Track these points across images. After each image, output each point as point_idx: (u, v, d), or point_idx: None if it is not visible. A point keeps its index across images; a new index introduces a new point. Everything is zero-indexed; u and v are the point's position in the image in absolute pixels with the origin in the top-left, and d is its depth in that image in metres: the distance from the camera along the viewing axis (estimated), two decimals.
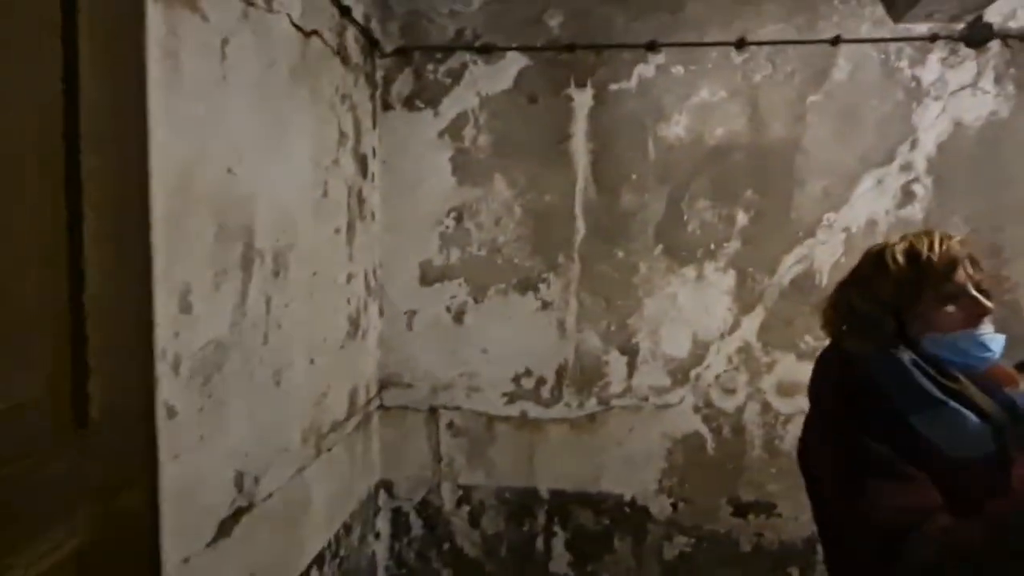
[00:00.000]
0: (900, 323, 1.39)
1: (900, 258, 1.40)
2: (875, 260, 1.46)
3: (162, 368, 1.52)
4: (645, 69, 3.03)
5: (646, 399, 3.13)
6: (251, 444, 1.90)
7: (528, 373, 3.17)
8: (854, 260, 2.76)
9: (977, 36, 2.82)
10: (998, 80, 2.84)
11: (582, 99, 3.07)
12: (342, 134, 2.65)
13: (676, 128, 3.04)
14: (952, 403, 1.36)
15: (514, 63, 3.08)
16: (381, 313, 3.19)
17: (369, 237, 3.02)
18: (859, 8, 2.90)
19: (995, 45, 2.83)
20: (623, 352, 3.13)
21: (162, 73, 1.52)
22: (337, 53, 2.60)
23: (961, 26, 2.84)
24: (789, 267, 3.04)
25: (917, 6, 2.80)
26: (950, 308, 1.35)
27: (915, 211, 2.95)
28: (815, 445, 1.54)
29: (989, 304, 1.38)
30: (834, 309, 1.50)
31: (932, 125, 2.90)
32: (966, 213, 2.91)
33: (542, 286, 3.13)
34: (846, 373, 1.48)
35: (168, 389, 1.54)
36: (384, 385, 3.21)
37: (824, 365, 1.59)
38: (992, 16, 2.80)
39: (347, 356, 2.73)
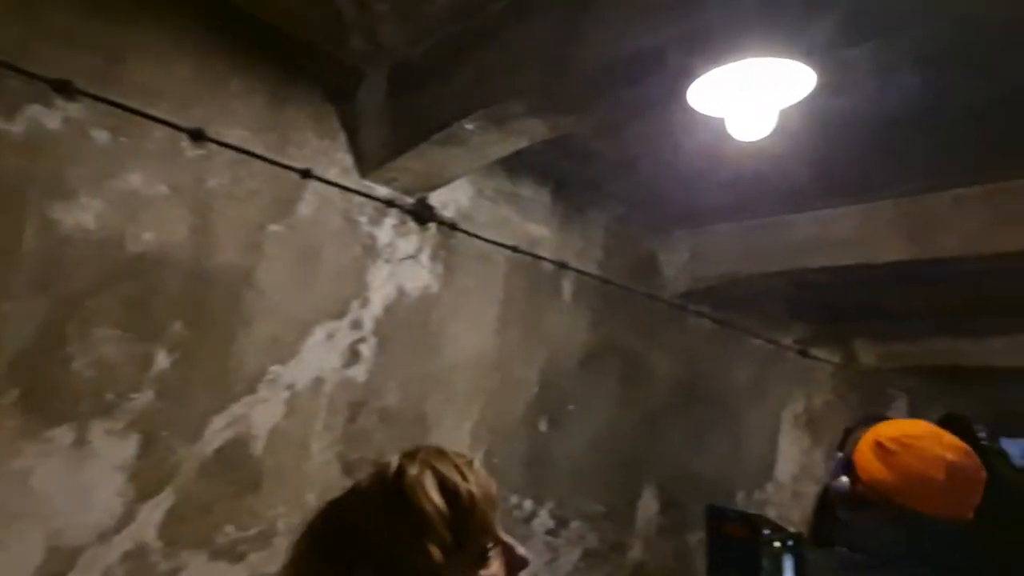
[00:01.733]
0: None
1: (434, 495, 0.74)
2: (390, 496, 0.75)
3: None
4: (46, 116, 1.73)
5: None
6: None
7: None
8: (295, 425, 1.97)
9: (422, 214, 2.63)
10: (433, 257, 2.68)
11: None
12: None
13: (83, 214, 1.78)
14: None
15: None
16: None
17: None
18: (333, 149, 2.37)
19: (434, 226, 2.67)
20: None
21: None
22: None
23: (412, 200, 2.59)
24: (218, 431, 2.03)
25: (381, 168, 2.46)
26: (490, 569, 0.77)
27: (359, 372, 2.42)
28: None
29: (528, 554, 0.82)
30: None
31: (381, 287, 2.51)
32: (401, 379, 2.54)
33: None
34: None
35: None
36: None
37: None
38: (434, 199, 2.66)
39: None
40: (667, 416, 3.69)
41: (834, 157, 2.52)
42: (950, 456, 1.28)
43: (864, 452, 1.33)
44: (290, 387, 2.22)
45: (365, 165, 2.48)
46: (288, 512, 2.16)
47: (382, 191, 2.53)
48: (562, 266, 3.24)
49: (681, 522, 3.76)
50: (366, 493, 0.77)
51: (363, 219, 2.48)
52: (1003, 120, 2.17)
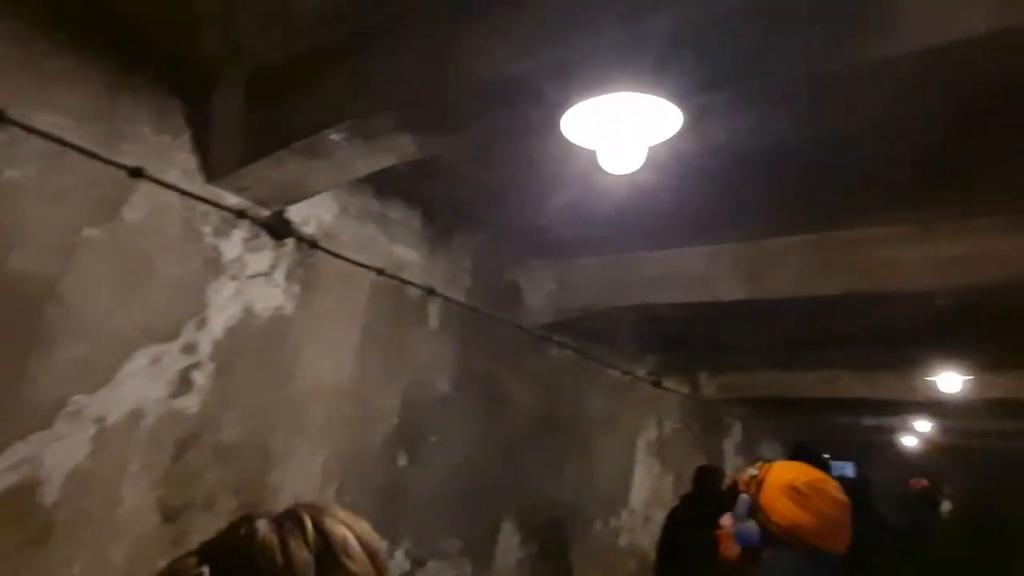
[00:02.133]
0: None
1: (355, 550, 0.67)
2: (320, 555, 0.65)
3: None
4: None
5: None
6: None
7: None
8: (103, 466, 1.70)
9: (278, 228, 2.38)
10: (289, 276, 2.43)
11: None
12: None
13: None
14: None
15: None
16: None
17: None
18: (174, 148, 2.07)
19: (291, 242, 2.42)
20: None
21: None
22: None
23: (267, 213, 2.34)
24: None
25: (233, 174, 2.20)
26: None
27: (191, 402, 2.09)
28: None
29: None
30: None
31: (225, 306, 2.21)
32: (244, 409, 2.24)
33: None
34: None
35: None
36: None
37: None
38: (293, 214, 2.42)
39: None
40: (528, 446, 3.64)
41: (689, 199, 2.64)
42: (841, 496, 1.40)
43: (777, 497, 1.40)
44: (99, 421, 1.85)
45: (213, 169, 2.19)
46: (86, 570, 1.78)
47: (232, 200, 2.25)
48: (429, 292, 3.09)
49: (540, 553, 3.69)
50: (284, 547, 0.62)
51: (207, 229, 2.18)
52: (827, 174, 2.39)
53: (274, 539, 0.63)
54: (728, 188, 2.54)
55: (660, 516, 3.80)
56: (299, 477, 2.42)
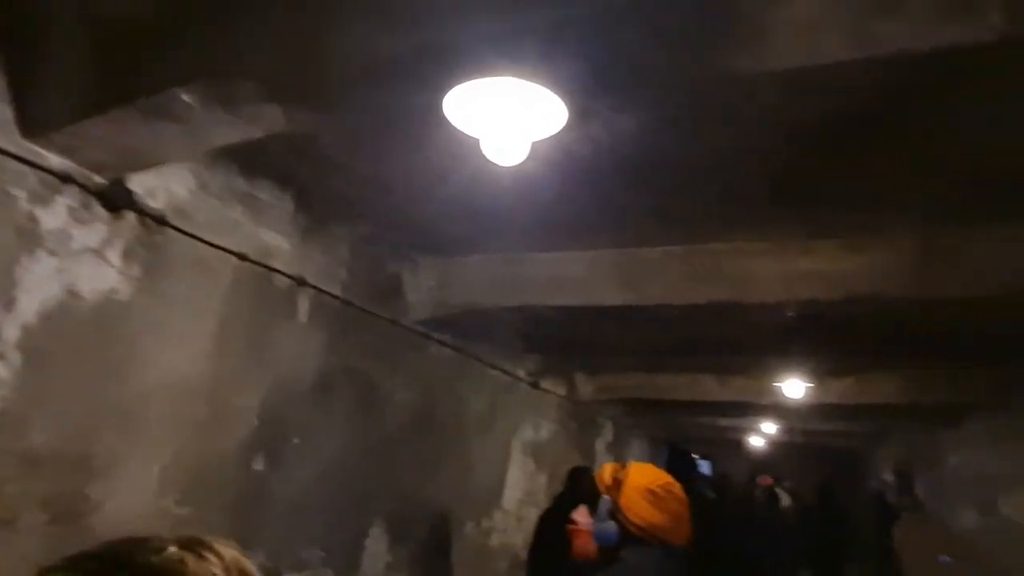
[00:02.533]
0: None
1: None
2: None
3: None
4: None
5: None
6: None
7: None
8: None
9: (115, 198, 2.04)
10: (127, 256, 2.10)
11: None
12: None
13: None
14: None
15: None
16: None
17: None
18: None
19: (132, 217, 2.10)
20: None
21: None
22: None
23: (102, 180, 2.01)
24: None
25: (60, 132, 1.87)
26: None
27: None
28: None
29: None
30: None
31: (40, 285, 1.85)
32: (60, 409, 1.91)
33: None
34: None
35: None
36: None
37: None
38: (136, 184, 2.10)
39: None
40: (402, 447, 3.46)
41: (573, 201, 2.61)
42: (684, 496, 1.55)
43: (635, 499, 1.51)
44: None
45: (34, 124, 1.83)
46: None
47: (55, 161, 1.89)
48: (300, 282, 2.83)
49: (410, 557, 3.52)
50: None
51: (20, 193, 1.81)
52: (698, 187, 2.45)
53: (208, 573, 0.55)
54: (610, 193, 2.54)
55: (533, 516, 3.77)
56: (129, 487, 2.09)
